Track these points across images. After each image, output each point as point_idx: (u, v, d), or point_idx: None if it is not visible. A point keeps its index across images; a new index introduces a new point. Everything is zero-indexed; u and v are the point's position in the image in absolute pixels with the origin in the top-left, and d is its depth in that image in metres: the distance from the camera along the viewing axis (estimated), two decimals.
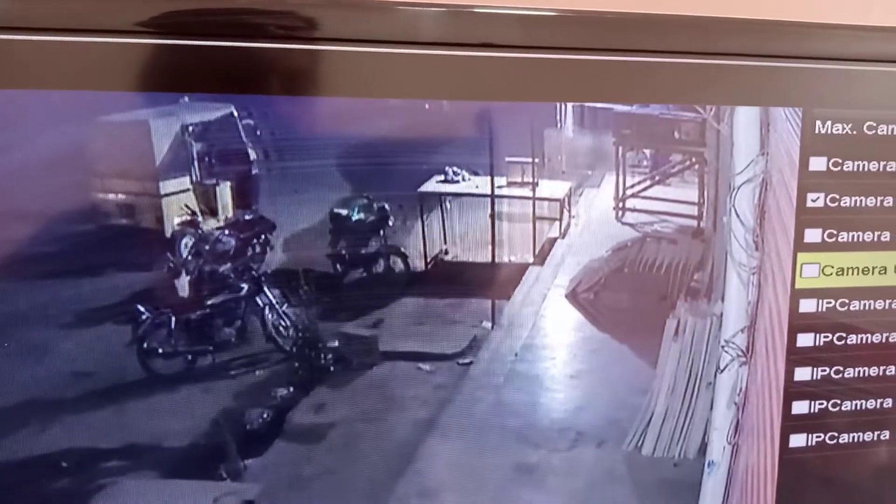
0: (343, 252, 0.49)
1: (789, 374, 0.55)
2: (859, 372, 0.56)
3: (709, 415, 0.55)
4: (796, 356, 0.55)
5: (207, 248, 0.47)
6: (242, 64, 0.44)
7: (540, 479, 0.53)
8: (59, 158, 0.44)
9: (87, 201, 0.45)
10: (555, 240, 0.52)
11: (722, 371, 0.55)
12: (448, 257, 0.51)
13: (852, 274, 0.55)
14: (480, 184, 0.50)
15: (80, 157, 0.44)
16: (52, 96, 0.42)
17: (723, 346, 0.55)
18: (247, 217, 0.47)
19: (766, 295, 0.54)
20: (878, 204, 0.54)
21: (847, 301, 0.55)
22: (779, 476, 0.56)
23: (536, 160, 0.50)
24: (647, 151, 0.53)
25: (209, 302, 0.48)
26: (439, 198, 0.50)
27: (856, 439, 0.57)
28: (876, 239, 0.55)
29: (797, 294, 0.54)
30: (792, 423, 0.56)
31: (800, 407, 0.56)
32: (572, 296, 0.53)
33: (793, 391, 0.55)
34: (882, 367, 0.57)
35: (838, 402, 0.56)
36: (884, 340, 0.56)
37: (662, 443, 0.55)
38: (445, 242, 0.51)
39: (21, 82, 0.42)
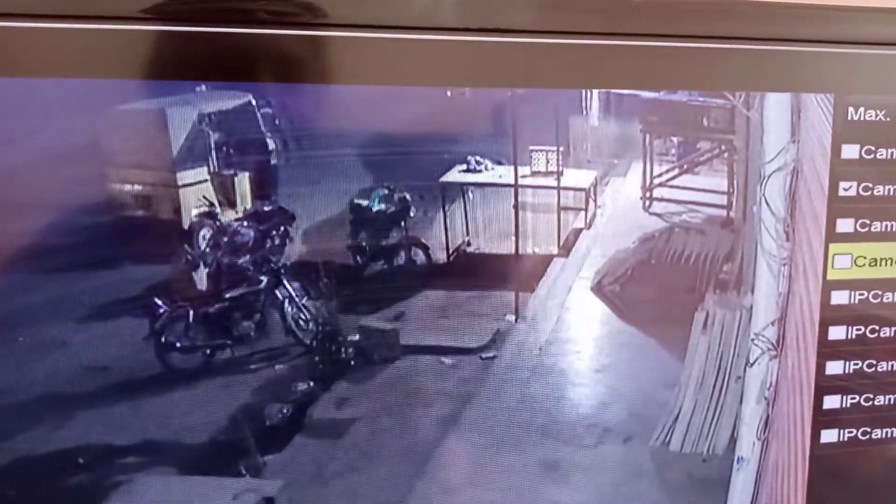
0: (363, 244, 0.48)
1: (821, 367, 0.54)
2: (892, 366, 0.55)
3: (738, 409, 0.54)
4: (828, 349, 0.54)
5: (226, 239, 0.47)
6: (260, 52, 0.43)
7: (565, 475, 0.53)
8: (74, 148, 0.43)
9: (103, 192, 0.44)
10: (580, 230, 0.51)
11: (752, 365, 0.54)
12: (471, 249, 0.50)
13: (886, 265, 0.54)
14: (504, 173, 0.49)
15: (95, 147, 0.43)
16: (67, 85, 0.41)
17: (752, 340, 0.54)
18: (265, 208, 0.46)
19: (796, 286, 0.53)
20: None
21: (880, 293, 0.54)
22: (809, 472, 0.55)
23: (561, 149, 0.49)
24: (675, 139, 0.52)
25: (227, 295, 0.47)
26: (461, 188, 0.49)
27: (889, 435, 0.56)
28: None
29: (829, 285, 0.53)
30: (823, 419, 0.55)
31: (831, 402, 0.55)
32: (598, 288, 0.52)
33: (824, 385, 0.54)
34: None
35: (871, 396, 0.55)
36: None
37: (691, 438, 0.54)
38: (468, 234, 0.50)
39: (34, 70, 0.41)
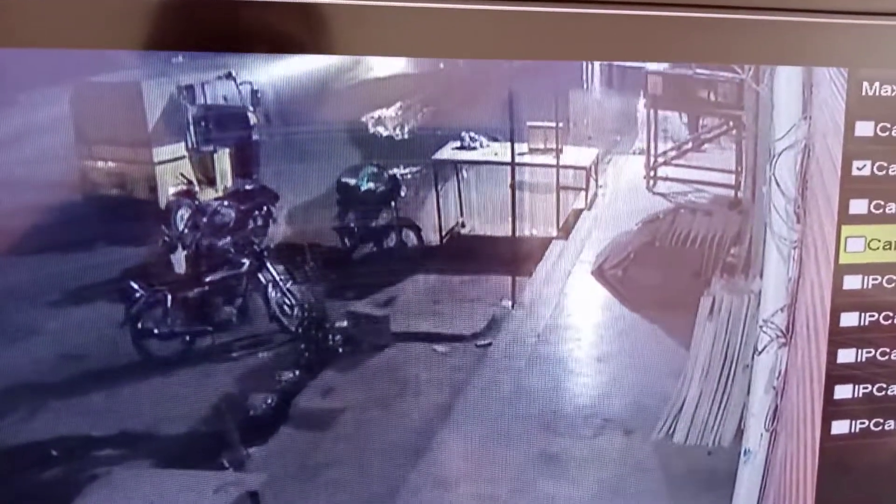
0: (352, 225, 0.47)
1: (832, 355, 0.52)
2: None
3: (745, 400, 0.53)
4: (839, 337, 0.52)
5: (205, 220, 0.45)
6: (242, 20, 0.41)
7: (564, 468, 0.51)
8: (42, 123, 0.41)
9: (75, 170, 0.42)
10: (580, 211, 0.50)
11: (760, 353, 0.52)
12: (465, 231, 0.49)
13: None
14: (500, 151, 0.48)
15: (65, 122, 0.42)
16: (34, 56, 0.39)
17: (761, 326, 0.52)
18: (247, 187, 0.45)
19: (807, 271, 0.52)
20: None
21: (895, 277, 0.52)
22: (819, 465, 0.54)
23: (561, 125, 0.48)
24: (681, 115, 0.50)
25: (208, 279, 0.46)
26: (455, 166, 0.48)
27: None
28: None
29: (841, 270, 0.51)
30: (834, 409, 0.53)
31: (843, 391, 0.53)
32: (599, 272, 0.50)
33: (835, 374, 0.53)
34: None
35: (884, 385, 0.54)
36: None
37: (695, 430, 0.52)
38: (462, 215, 0.49)
39: (7, 39, 0.39)
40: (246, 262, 0.46)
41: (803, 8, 0.48)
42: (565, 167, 0.49)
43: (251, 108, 0.44)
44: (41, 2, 0.39)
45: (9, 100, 0.40)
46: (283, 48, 0.43)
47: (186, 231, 0.45)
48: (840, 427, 0.53)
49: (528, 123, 0.48)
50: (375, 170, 0.46)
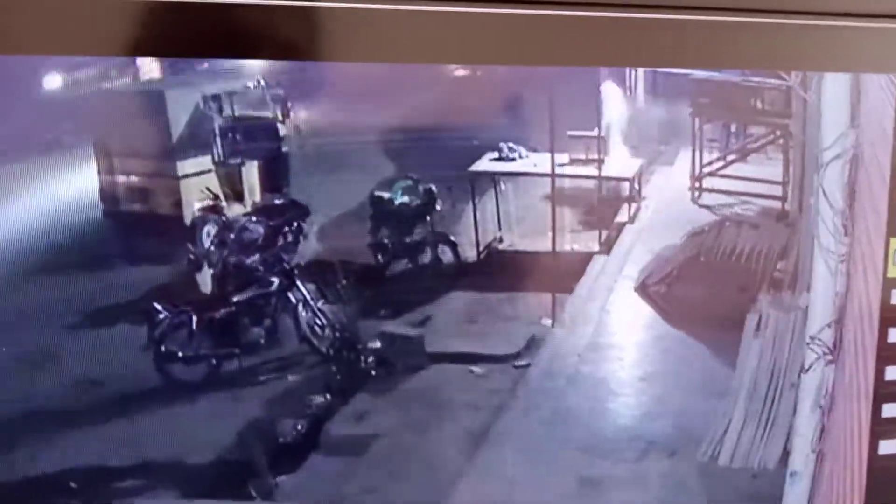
0: (385, 241, 0.46)
1: (880, 373, 0.50)
2: None
3: (792, 419, 0.51)
4: (888, 353, 0.50)
5: (232, 236, 0.44)
6: (272, 26, 0.39)
7: (605, 493, 0.49)
8: (61, 134, 0.39)
9: (95, 184, 0.41)
10: (623, 225, 0.49)
11: (807, 371, 0.51)
12: (503, 246, 0.48)
13: None
14: (539, 162, 0.47)
15: (85, 133, 0.40)
16: (53, 62, 0.38)
17: (808, 343, 0.50)
18: (276, 201, 0.44)
19: (855, 285, 0.50)
20: None
21: None
22: (867, 486, 0.51)
23: (603, 134, 0.47)
24: (728, 123, 0.49)
25: (235, 298, 0.45)
26: (493, 178, 0.47)
27: None
28: None
29: (890, 283, 0.49)
30: (883, 428, 0.51)
31: (891, 410, 0.51)
32: (642, 288, 0.49)
33: (884, 392, 0.51)
34: None
35: None
36: None
37: (741, 452, 0.51)
38: (500, 229, 0.48)
39: (16, 46, 0.37)
40: (275, 280, 0.45)
41: (852, 13, 0.46)
42: (607, 178, 0.48)
43: (281, 119, 0.42)
44: (46, 8, 0.37)
45: (25, 109, 0.38)
46: (312, 56, 0.41)
47: (213, 248, 0.43)
48: (888, 447, 0.52)
49: (569, 133, 0.46)
50: (410, 183, 0.45)
